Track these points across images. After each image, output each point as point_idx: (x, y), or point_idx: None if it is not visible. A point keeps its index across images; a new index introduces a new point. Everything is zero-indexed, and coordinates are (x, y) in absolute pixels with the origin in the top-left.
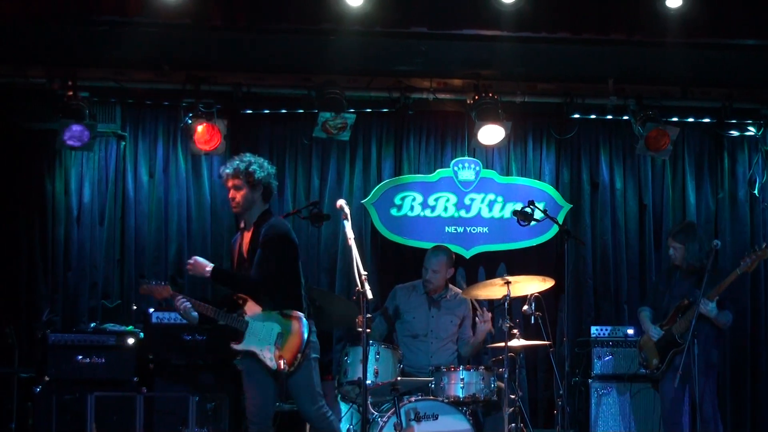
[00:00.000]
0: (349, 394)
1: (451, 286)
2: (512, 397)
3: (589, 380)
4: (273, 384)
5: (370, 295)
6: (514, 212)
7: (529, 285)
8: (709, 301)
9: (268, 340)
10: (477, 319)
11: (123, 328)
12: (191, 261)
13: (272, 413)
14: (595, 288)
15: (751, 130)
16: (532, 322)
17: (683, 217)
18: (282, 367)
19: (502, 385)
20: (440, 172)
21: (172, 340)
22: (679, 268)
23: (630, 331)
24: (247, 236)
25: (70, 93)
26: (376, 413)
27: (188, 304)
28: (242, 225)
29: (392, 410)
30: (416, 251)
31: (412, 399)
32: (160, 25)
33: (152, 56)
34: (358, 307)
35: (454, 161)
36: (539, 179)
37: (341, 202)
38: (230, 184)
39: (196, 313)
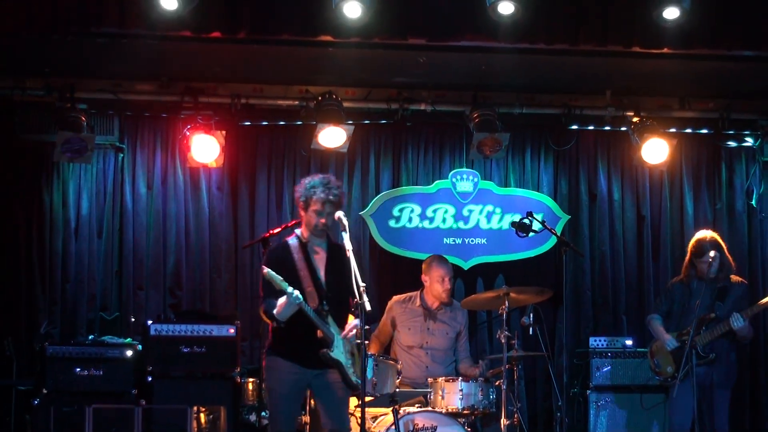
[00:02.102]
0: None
1: None
2: (511, 408)
3: (588, 391)
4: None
5: (368, 307)
6: (513, 223)
7: (528, 296)
8: (743, 318)
9: (348, 355)
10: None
11: (121, 340)
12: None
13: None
14: (594, 299)
15: (749, 141)
16: (531, 333)
17: (681, 228)
18: (358, 383)
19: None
20: (438, 184)
21: (171, 352)
22: (701, 280)
23: (629, 342)
24: (321, 255)
25: (69, 105)
26: (374, 425)
27: (300, 300)
28: (304, 239)
29: (391, 422)
30: (414, 263)
31: (411, 410)
32: (159, 37)
33: (151, 68)
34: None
35: (452, 172)
36: (537, 190)
37: (339, 214)
38: (330, 209)
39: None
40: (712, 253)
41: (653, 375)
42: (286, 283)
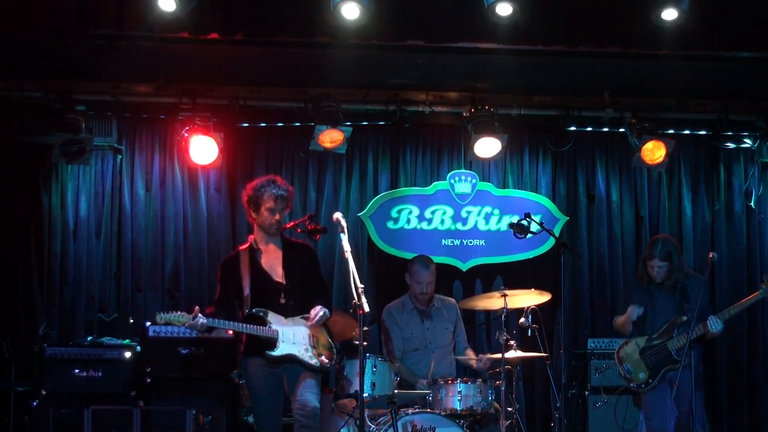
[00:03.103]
0: (346, 407)
1: (435, 294)
2: (509, 409)
3: (586, 392)
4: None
5: (366, 308)
6: (511, 225)
7: (526, 297)
8: (721, 321)
9: (303, 342)
10: (476, 365)
11: (120, 341)
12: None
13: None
14: (592, 300)
15: (747, 142)
16: (529, 334)
17: (679, 229)
18: (325, 362)
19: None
20: (437, 185)
21: (169, 354)
22: (655, 284)
23: None
24: (276, 253)
25: (67, 107)
26: (373, 426)
27: (204, 322)
28: (257, 245)
29: (389, 423)
30: None
31: (410, 412)
32: (157, 38)
33: (149, 70)
34: (355, 319)
35: (450, 174)
36: (535, 192)
37: (338, 215)
38: (281, 206)
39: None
40: (660, 263)
41: (629, 383)
42: (178, 316)
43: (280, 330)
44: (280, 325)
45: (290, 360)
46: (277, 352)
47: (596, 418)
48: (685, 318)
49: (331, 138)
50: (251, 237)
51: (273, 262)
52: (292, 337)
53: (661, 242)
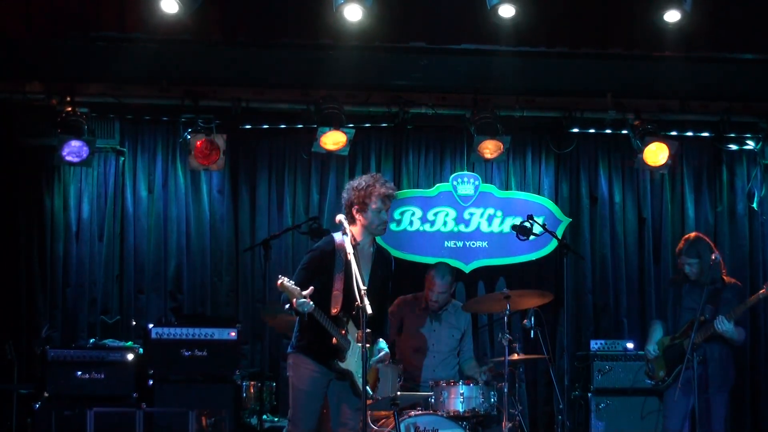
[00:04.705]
0: None
1: (453, 300)
2: (512, 411)
3: (589, 394)
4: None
5: (369, 310)
6: (513, 226)
7: (529, 299)
8: (728, 321)
9: (361, 362)
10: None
11: (122, 343)
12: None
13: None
14: (594, 302)
15: (750, 144)
16: (532, 336)
17: (682, 231)
18: (368, 390)
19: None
20: (439, 187)
21: (172, 356)
22: (690, 281)
23: (629, 345)
24: (367, 259)
25: (69, 109)
26: (375, 428)
27: (311, 306)
28: (354, 242)
29: (392, 425)
30: (415, 266)
31: (412, 414)
32: (159, 40)
33: (151, 72)
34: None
35: (453, 176)
36: (538, 193)
37: (340, 217)
38: (388, 205)
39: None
40: (690, 260)
41: (647, 379)
42: (295, 289)
43: (353, 343)
44: (353, 338)
45: (348, 376)
46: (343, 365)
47: (599, 420)
48: (703, 318)
49: (333, 140)
50: (352, 229)
51: (363, 269)
52: (357, 355)
53: (690, 241)
